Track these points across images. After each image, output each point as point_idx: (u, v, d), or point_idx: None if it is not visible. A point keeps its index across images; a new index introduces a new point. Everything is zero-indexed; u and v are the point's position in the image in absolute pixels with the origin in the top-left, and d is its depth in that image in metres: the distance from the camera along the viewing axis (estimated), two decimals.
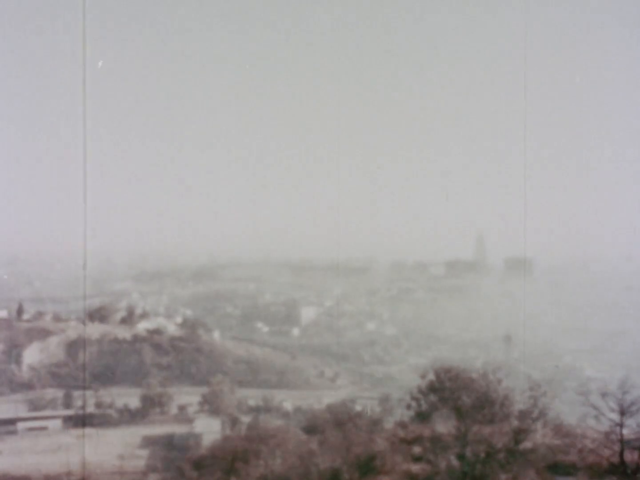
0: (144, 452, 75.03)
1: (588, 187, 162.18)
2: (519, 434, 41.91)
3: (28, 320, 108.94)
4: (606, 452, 39.29)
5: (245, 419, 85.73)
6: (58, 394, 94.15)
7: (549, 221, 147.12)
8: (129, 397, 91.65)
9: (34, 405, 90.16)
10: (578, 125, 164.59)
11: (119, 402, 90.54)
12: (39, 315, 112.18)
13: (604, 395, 40.85)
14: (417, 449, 42.63)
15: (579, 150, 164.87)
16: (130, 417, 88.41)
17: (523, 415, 43.80)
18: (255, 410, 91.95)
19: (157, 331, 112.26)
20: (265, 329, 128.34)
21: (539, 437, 42.61)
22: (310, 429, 56.55)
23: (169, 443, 77.88)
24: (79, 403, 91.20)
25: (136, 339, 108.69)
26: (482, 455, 40.68)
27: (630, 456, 38.82)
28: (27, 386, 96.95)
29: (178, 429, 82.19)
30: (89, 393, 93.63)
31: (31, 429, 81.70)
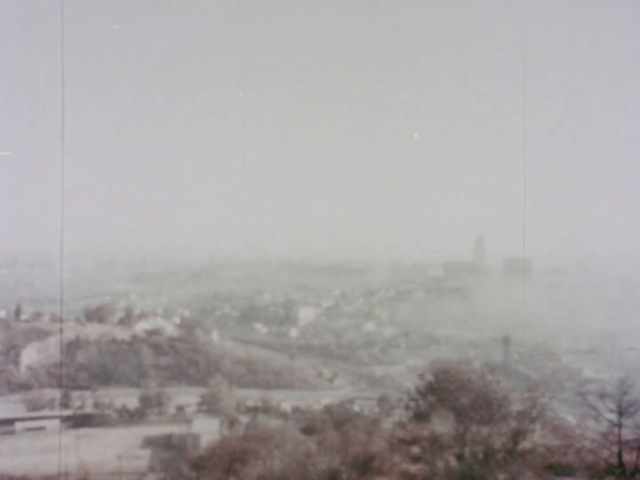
0: (143, 453, 74.95)
1: (587, 188, 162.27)
2: (518, 435, 41.89)
3: (26, 321, 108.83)
4: (604, 453, 39.26)
5: (244, 420, 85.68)
6: (56, 394, 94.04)
7: (548, 222, 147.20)
8: (128, 398, 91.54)
9: (32, 406, 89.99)
10: (577, 126, 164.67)
11: (118, 403, 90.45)
12: (37, 315, 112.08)
13: (602, 395, 40.84)
14: (415, 450, 42.60)
15: (578, 151, 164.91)
16: (129, 417, 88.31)
17: (521, 415, 43.80)
18: (254, 410, 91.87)
19: (155, 332, 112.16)
20: (264, 329, 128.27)
21: (537, 437, 42.61)
22: (309, 430, 56.61)
23: (167, 443, 77.80)
24: (77, 403, 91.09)
25: (134, 339, 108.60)
26: (481, 455, 40.66)
27: (628, 457, 38.79)
28: (25, 386, 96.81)
29: (176, 430, 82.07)
30: (87, 393, 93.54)
31: (29, 429, 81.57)
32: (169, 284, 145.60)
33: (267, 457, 43.44)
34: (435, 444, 41.68)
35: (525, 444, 41.47)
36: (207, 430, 76.25)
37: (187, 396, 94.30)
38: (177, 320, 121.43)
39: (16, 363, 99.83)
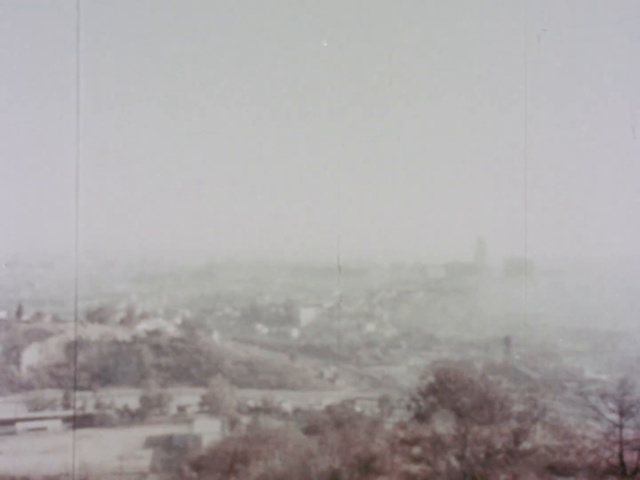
0: (144, 453, 75.02)
1: (587, 189, 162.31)
2: (519, 435, 41.91)
3: (27, 322, 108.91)
4: (606, 453, 39.32)
5: (245, 420, 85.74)
6: (57, 394, 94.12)
7: (549, 223, 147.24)
8: (129, 398, 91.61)
9: (34, 406, 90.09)
10: (578, 127, 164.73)
11: (119, 403, 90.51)
12: (38, 316, 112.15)
13: (603, 396, 40.90)
14: (416, 450, 42.61)
15: (578, 152, 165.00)
16: (130, 417, 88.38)
17: (522, 416, 43.83)
18: (255, 411, 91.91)
19: (156, 332, 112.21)
20: (265, 330, 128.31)
21: (539, 438, 42.64)
22: (310, 430, 56.65)
23: (168, 444, 77.86)
24: (78, 404, 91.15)
25: (135, 340, 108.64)
26: (482, 456, 40.67)
27: (629, 457, 38.84)
28: (27, 387, 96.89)
29: (177, 430, 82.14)
30: (88, 394, 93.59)
31: (30, 430, 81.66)
32: (170, 285, 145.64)
33: (268, 458, 43.47)
34: (436, 444, 41.68)
35: (526, 445, 41.49)
36: (208, 431, 76.32)
37: (188, 397, 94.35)
38: (178, 320, 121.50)
39: (17, 364, 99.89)
